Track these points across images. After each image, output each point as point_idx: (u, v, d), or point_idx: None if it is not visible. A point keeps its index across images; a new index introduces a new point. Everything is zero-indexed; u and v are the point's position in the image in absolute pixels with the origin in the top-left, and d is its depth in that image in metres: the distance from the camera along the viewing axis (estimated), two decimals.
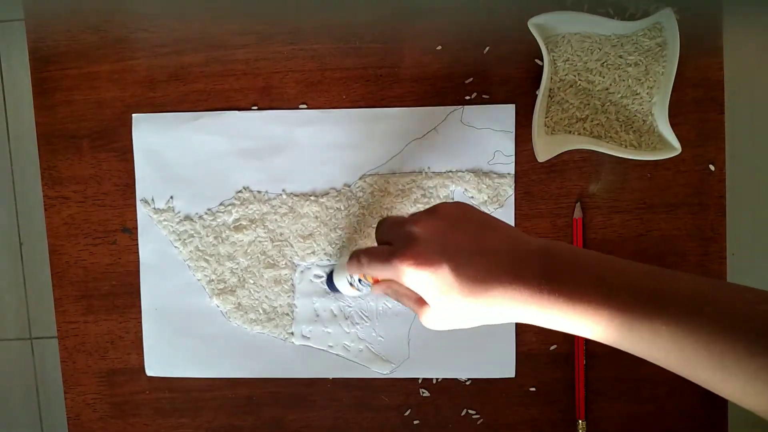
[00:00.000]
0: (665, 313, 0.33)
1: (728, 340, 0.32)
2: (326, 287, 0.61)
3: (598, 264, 0.36)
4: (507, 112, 0.60)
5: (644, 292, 0.34)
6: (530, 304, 0.36)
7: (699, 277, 0.36)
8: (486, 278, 0.36)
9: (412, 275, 0.38)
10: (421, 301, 0.41)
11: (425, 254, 0.37)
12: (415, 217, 0.40)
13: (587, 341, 0.60)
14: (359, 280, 0.50)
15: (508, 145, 0.60)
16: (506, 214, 0.60)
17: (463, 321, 0.39)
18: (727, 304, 0.33)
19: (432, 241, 0.38)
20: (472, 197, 0.60)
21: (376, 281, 0.45)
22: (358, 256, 0.43)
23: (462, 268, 0.37)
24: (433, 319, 0.40)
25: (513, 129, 0.60)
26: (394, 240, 0.41)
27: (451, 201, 0.43)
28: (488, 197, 0.60)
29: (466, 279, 0.37)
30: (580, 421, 0.60)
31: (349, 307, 0.61)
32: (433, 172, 0.60)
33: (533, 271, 0.36)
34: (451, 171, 0.60)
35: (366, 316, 0.61)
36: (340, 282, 0.54)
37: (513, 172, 0.60)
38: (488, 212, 0.60)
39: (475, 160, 0.60)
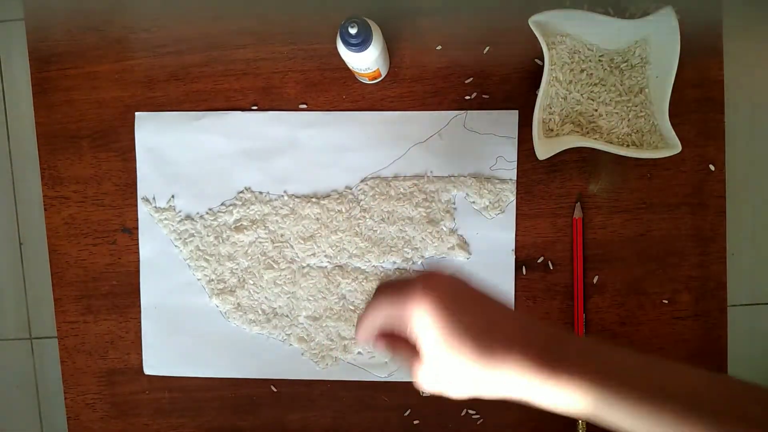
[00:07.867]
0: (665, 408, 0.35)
1: None
2: None
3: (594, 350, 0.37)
4: (510, 118, 0.59)
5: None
6: (533, 376, 0.35)
7: (695, 372, 0.37)
8: (498, 343, 0.36)
9: (427, 311, 0.36)
10: (419, 357, 0.38)
11: (445, 299, 0.36)
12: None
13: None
14: None
15: (511, 151, 0.60)
16: (507, 220, 0.60)
17: (458, 384, 0.38)
18: (721, 405, 0.35)
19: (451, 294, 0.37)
20: (474, 202, 0.60)
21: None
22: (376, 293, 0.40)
23: (478, 329, 0.36)
24: (428, 374, 0.38)
25: (516, 135, 0.59)
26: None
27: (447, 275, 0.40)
28: (489, 202, 0.60)
29: (479, 339, 0.36)
30: (579, 421, 0.60)
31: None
32: (435, 177, 0.60)
33: (540, 344, 0.36)
34: (453, 175, 0.60)
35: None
36: None
37: (515, 177, 0.60)
38: (489, 218, 0.60)
39: (477, 165, 0.60)
